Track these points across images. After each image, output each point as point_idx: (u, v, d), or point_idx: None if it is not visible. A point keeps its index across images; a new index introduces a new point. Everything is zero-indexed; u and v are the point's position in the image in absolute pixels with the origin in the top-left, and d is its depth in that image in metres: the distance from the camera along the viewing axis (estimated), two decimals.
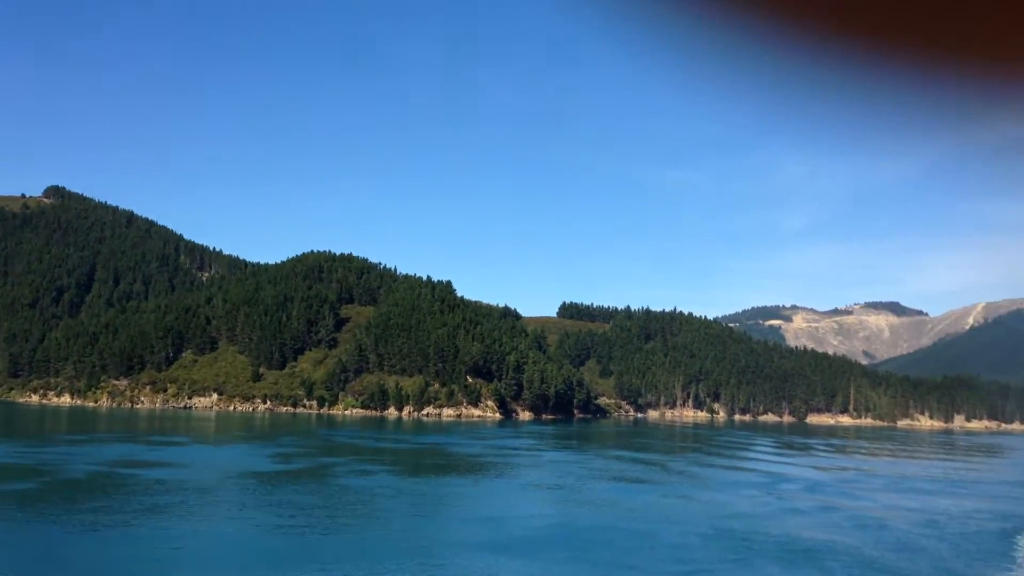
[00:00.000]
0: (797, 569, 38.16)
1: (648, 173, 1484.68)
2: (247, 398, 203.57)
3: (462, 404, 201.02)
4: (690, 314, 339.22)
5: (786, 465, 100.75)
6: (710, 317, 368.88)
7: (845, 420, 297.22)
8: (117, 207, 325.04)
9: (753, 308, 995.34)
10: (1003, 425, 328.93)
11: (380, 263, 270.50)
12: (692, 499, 62.48)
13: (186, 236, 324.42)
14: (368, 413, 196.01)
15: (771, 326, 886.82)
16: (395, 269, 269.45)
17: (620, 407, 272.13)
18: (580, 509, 55.65)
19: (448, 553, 38.76)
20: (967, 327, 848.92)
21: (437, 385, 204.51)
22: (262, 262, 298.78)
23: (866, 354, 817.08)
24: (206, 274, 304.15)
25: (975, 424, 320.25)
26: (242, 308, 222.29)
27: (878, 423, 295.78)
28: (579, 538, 44.34)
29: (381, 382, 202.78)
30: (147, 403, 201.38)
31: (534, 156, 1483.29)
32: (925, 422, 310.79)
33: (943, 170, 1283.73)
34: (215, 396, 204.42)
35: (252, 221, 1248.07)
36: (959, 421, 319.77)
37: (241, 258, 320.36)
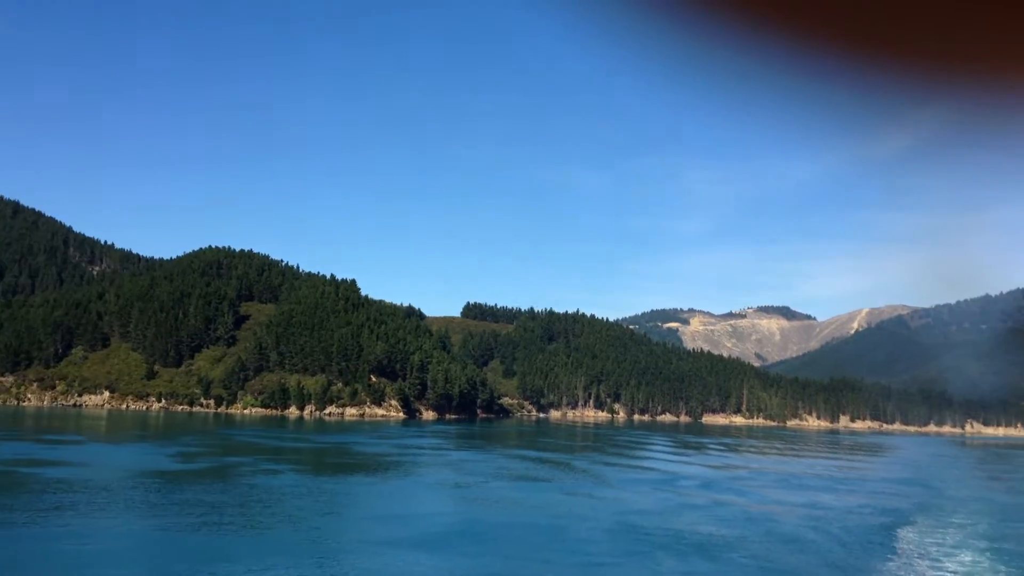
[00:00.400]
0: (694, 561, 40.22)
1: (552, 174, 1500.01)
2: (141, 396, 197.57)
3: (365, 403, 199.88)
4: (592, 316, 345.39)
5: (682, 464, 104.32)
6: (611, 319, 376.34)
7: (738, 420, 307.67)
8: (1, 196, 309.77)
9: (652, 311, 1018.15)
10: (884, 425, 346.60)
11: (282, 260, 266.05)
12: (594, 496, 64.41)
13: (76, 228, 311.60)
14: (268, 412, 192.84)
15: (669, 328, 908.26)
16: (297, 267, 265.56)
17: (523, 407, 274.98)
18: (488, 506, 56.87)
19: (362, 550, 39.33)
20: (852, 331, 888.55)
21: (340, 384, 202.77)
22: (156, 257, 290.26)
23: (758, 356, 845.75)
24: (97, 268, 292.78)
25: (859, 424, 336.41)
26: (136, 304, 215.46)
27: (769, 423, 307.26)
28: (490, 534, 45.53)
29: (282, 381, 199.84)
30: (34, 401, 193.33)
31: (437, 155, 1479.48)
32: (813, 422, 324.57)
33: (834, 180, 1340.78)
34: (107, 394, 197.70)
35: (145, 215, 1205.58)
36: (844, 421, 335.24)
37: (134, 252, 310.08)
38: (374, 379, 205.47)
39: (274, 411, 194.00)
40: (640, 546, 43.37)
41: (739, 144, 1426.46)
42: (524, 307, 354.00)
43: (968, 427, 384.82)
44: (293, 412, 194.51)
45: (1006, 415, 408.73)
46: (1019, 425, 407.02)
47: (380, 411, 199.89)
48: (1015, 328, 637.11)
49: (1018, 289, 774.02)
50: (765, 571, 38.80)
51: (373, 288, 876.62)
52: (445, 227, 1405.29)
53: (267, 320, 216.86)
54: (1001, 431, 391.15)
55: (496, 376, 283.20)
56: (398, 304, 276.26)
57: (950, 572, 40.90)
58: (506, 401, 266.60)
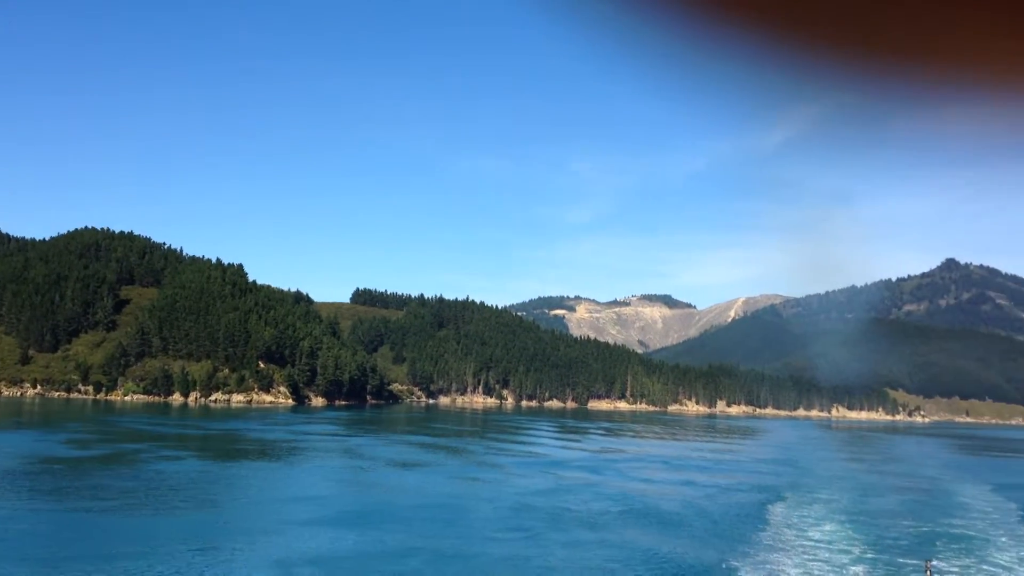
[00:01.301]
0: (579, 534, 43.41)
1: (442, 158, 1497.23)
2: (15, 382, 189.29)
3: (253, 390, 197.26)
4: (482, 303, 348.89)
5: (567, 448, 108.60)
6: (500, 305, 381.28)
7: (623, 406, 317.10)
8: None
9: (540, 298, 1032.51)
10: (758, 410, 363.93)
11: (165, 243, 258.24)
12: (482, 480, 67.34)
13: None
14: (151, 399, 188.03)
15: (556, 315, 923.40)
16: (181, 250, 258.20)
17: (412, 393, 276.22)
18: (383, 490, 58.89)
19: (278, 530, 40.84)
20: (729, 320, 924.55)
21: (227, 370, 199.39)
22: (29, 237, 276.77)
23: (641, 343, 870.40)
24: None
25: (734, 409, 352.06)
26: (8, 286, 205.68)
27: (652, 408, 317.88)
28: (388, 515, 47.70)
29: (166, 367, 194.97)
30: None
31: (326, 137, 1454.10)
32: (692, 407, 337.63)
33: (716, 173, 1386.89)
34: None
35: (15, 193, 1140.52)
36: (721, 406, 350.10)
37: (4, 232, 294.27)
38: (262, 365, 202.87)
39: (157, 398, 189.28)
40: (529, 523, 46.33)
41: (627, 135, 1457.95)
42: (414, 293, 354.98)
43: (834, 411, 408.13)
44: (177, 399, 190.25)
45: (868, 400, 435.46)
46: (880, 409, 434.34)
47: (268, 398, 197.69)
48: (878, 318, 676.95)
49: (881, 281, 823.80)
50: (646, 544, 42.29)
51: (260, 273, 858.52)
52: (334, 211, 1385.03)
53: (149, 305, 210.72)
54: (864, 415, 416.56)
55: (386, 362, 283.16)
56: (286, 289, 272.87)
57: (813, 540, 45.52)
58: (396, 387, 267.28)
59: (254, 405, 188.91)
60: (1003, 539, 49.13)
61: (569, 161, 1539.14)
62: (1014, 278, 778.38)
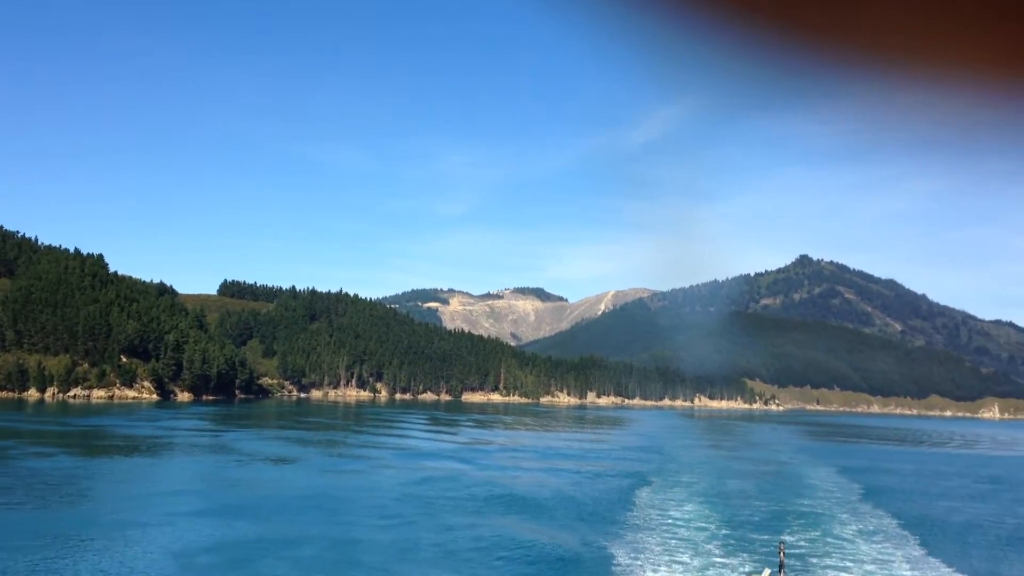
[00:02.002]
0: (460, 522, 45.43)
1: (314, 150, 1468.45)
2: None
3: (115, 385, 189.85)
4: (356, 295, 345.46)
5: (442, 440, 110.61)
6: (374, 298, 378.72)
7: (496, 398, 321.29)
8: None
9: (413, 290, 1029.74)
10: (626, 400, 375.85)
11: (18, 231, 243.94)
12: (358, 472, 68.62)
13: None
14: (4, 395, 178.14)
15: (429, 308, 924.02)
16: (36, 239, 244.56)
17: (283, 387, 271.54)
18: (261, 482, 59.26)
19: (166, 522, 41.02)
20: (599, 313, 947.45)
21: (87, 365, 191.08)
22: None
23: (514, 336, 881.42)
24: None
25: (604, 400, 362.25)
26: None
27: (525, 400, 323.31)
28: (273, 506, 48.43)
29: (20, 361, 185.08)
30: None
31: (190, 124, 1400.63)
32: (564, 398, 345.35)
33: (586, 169, 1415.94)
34: None
35: None
36: (591, 397, 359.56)
37: None
38: (125, 359, 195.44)
39: (10, 394, 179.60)
40: (406, 511, 48.05)
41: (498, 130, 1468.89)
42: (285, 286, 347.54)
43: (697, 400, 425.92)
44: (33, 395, 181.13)
45: (728, 389, 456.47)
46: (738, 398, 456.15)
47: (132, 393, 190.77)
48: (737, 311, 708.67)
49: (741, 275, 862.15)
50: (519, 528, 44.69)
51: (121, 264, 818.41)
52: (199, 201, 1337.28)
53: (2, 296, 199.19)
54: (724, 404, 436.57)
55: (255, 356, 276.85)
56: (149, 281, 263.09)
57: (674, 518, 49.12)
58: (266, 381, 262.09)
59: (116, 401, 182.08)
60: (844, 515, 54.16)
61: (439, 154, 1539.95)
62: (861, 274, 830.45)
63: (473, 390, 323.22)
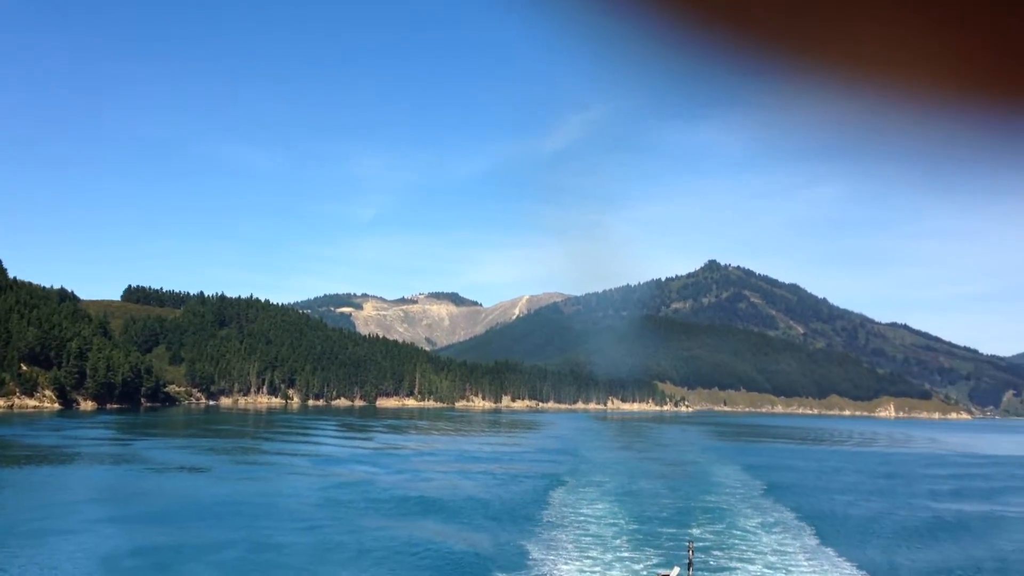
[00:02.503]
0: (378, 521, 46.28)
1: (222, 150, 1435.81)
2: None
3: (15, 394, 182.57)
4: (267, 301, 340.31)
5: (356, 447, 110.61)
6: (286, 303, 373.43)
7: (411, 403, 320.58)
8: None
9: (326, 295, 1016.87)
10: (541, 404, 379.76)
11: None
12: (270, 479, 68.58)
13: None
14: None
15: (343, 313, 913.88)
16: None
17: (191, 395, 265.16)
18: (171, 490, 58.77)
19: (82, 530, 40.67)
20: (514, 317, 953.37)
21: None
22: None
23: (429, 341, 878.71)
24: None
25: (519, 404, 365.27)
26: None
27: (440, 405, 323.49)
28: (204, 511, 48.43)
29: None
30: None
31: (92, 123, 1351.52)
32: (479, 403, 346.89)
33: (501, 174, 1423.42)
34: None
35: None
36: (506, 401, 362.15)
37: None
38: (25, 368, 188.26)
39: None
40: (321, 516, 48.60)
41: (412, 134, 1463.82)
42: (193, 291, 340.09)
43: (610, 403, 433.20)
44: None
45: (639, 392, 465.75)
46: (650, 400, 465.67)
47: (32, 402, 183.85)
48: (649, 315, 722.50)
49: (652, 280, 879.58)
50: (434, 529, 45.81)
51: (20, 270, 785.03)
52: (100, 204, 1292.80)
53: None
54: (636, 406, 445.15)
55: (162, 363, 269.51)
56: (49, 287, 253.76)
57: (586, 514, 51.05)
58: (173, 389, 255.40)
59: (16, 410, 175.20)
60: (748, 510, 56.97)
61: (354, 157, 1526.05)
62: (766, 278, 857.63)
63: (388, 395, 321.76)
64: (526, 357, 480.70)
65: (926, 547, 48.17)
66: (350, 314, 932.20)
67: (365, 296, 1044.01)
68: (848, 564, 41.77)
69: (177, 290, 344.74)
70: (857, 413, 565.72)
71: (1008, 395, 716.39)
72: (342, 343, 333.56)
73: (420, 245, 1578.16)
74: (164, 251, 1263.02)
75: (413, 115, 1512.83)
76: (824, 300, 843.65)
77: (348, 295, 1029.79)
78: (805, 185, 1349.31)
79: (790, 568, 40.69)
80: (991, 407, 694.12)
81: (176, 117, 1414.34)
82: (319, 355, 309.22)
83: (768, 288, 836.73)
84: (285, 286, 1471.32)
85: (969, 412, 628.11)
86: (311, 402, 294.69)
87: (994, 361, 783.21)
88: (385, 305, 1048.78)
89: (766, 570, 39.43)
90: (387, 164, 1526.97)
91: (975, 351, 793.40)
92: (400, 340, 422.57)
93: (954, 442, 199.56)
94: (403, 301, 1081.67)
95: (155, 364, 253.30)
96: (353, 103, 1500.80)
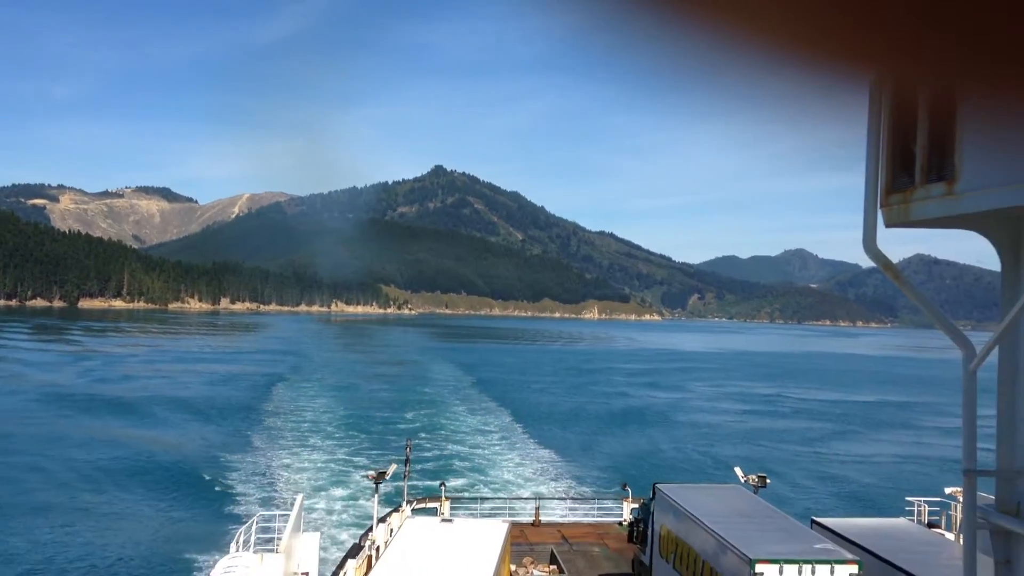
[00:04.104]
0: (89, 429, 45.82)
1: None
2: None
3: None
4: None
5: (57, 351, 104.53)
6: None
7: (119, 304, 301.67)
8: None
9: (15, 185, 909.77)
10: (262, 306, 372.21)
11: None
12: None
13: None
14: None
15: (35, 206, 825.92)
16: None
17: None
18: None
19: None
20: (233, 216, 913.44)
21: None
22: None
23: (136, 239, 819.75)
24: None
25: (239, 306, 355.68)
26: None
27: (151, 306, 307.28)
28: None
29: None
30: None
31: None
32: (195, 305, 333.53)
33: (213, 62, 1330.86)
34: None
35: None
36: (225, 303, 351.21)
37: None
38: None
39: None
40: (28, 429, 47.25)
41: (114, 6, 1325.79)
42: None
43: (334, 306, 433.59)
44: None
45: (364, 295, 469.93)
46: (374, 303, 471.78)
47: None
48: (375, 219, 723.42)
49: (379, 183, 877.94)
50: (146, 431, 46.29)
51: None
52: None
53: None
54: (360, 309, 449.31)
55: None
56: None
57: (311, 409, 53.68)
58: None
59: None
60: (457, 402, 62.39)
61: (40, 28, 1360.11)
62: (490, 185, 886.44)
63: (92, 296, 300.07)
64: (247, 257, 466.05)
65: (604, 428, 56.06)
66: (44, 207, 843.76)
67: (61, 188, 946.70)
68: (533, 441, 48.29)
69: None
70: (566, 315, 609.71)
71: (694, 298, 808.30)
72: (38, 239, 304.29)
73: (125, 133, 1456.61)
74: None
75: None
76: (543, 208, 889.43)
77: (41, 186, 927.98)
78: (525, 97, 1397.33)
79: (490, 445, 46.28)
80: (680, 309, 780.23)
81: None
82: (11, 251, 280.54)
83: (491, 195, 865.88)
84: None
85: (660, 314, 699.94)
86: (2, 302, 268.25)
87: (684, 268, 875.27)
88: (85, 198, 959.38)
89: (471, 449, 44.61)
90: (86, 40, 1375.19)
91: (669, 258, 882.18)
92: (104, 237, 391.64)
93: (646, 339, 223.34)
94: (107, 195, 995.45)
95: None
96: None
